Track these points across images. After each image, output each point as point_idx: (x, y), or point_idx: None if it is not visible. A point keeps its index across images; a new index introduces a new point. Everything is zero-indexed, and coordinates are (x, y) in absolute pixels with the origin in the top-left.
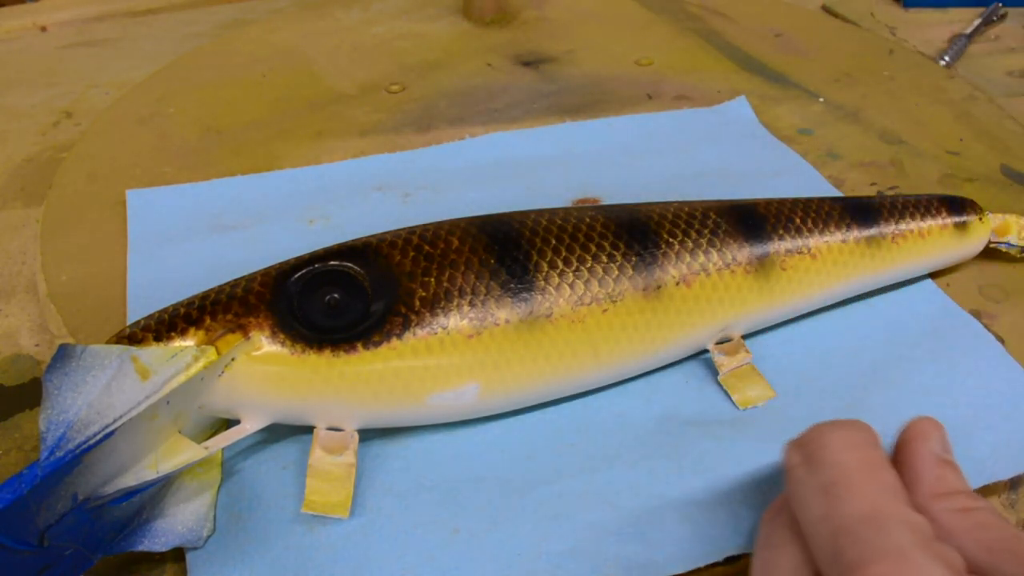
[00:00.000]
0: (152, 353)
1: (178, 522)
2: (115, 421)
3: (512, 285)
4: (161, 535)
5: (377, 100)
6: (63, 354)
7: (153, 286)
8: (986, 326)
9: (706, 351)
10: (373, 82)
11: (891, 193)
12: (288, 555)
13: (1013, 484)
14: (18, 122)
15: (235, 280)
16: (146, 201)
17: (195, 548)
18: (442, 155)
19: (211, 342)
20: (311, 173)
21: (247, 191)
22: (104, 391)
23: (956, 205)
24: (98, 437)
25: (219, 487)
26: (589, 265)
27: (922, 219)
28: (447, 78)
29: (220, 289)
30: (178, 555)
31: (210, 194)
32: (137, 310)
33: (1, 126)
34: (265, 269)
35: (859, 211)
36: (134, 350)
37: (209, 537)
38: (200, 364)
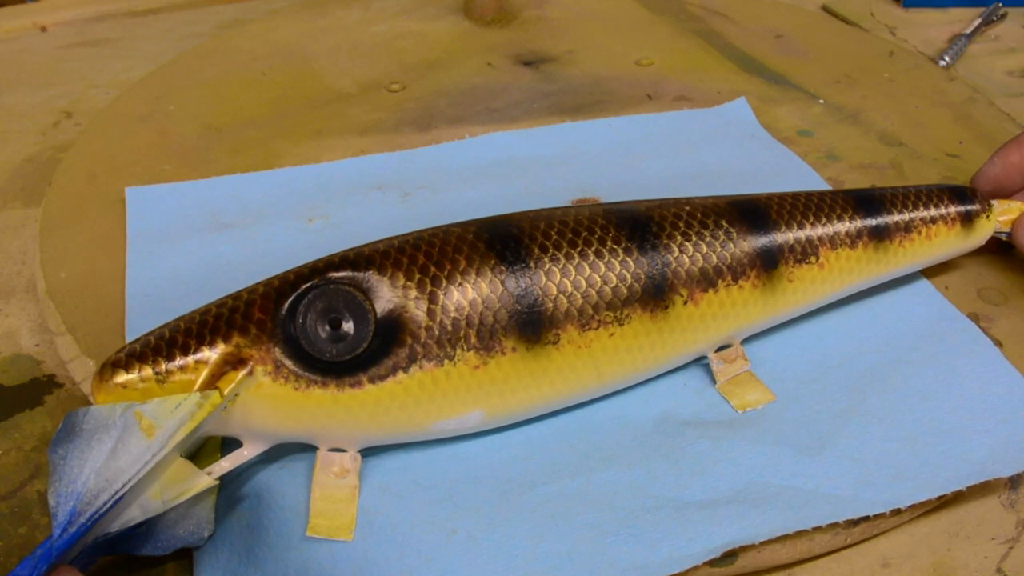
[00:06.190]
0: (156, 406)
1: (179, 525)
2: (124, 486)
3: (521, 312)
4: (163, 539)
5: (377, 99)
6: (67, 423)
7: (152, 284)
8: (984, 329)
9: (705, 356)
10: (373, 81)
11: None
12: (288, 555)
13: (1013, 484)
14: (18, 122)
15: (235, 298)
16: (145, 198)
17: (197, 547)
18: (442, 155)
19: (213, 380)
20: (311, 172)
21: (246, 189)
22: (111, 456)
23: (961, 196)
24: (108, 505)
25: (219, 490)
26: (599, 287)
27: (932, 222)
28: (447, 77)
29: (219, 315)
30: (178, 555)
31: (209, 192)
32: (136, 308)
33: (1, 126)
34: (265, 288)
35: (868, 213)
36: (137, 405)
37: (209, 538)
38: (205, 411)
